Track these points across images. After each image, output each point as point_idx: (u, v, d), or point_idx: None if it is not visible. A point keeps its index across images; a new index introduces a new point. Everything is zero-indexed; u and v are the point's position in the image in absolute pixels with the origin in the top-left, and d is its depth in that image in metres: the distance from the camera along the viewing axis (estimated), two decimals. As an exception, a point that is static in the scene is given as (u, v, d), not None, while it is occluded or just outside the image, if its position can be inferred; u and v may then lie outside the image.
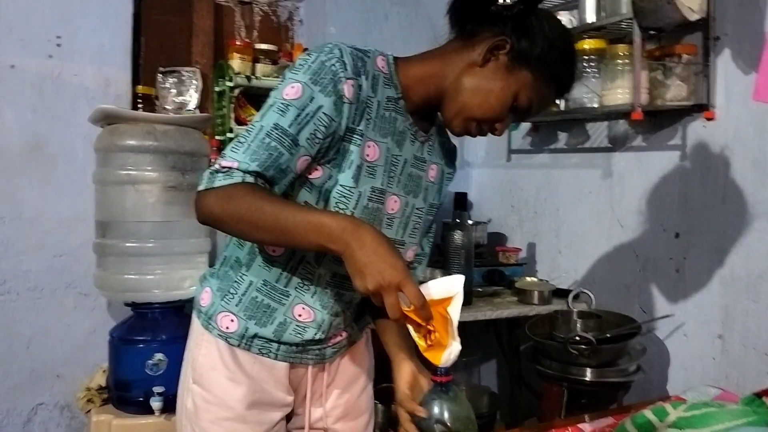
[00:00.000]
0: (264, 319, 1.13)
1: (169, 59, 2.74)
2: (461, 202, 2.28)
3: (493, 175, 2.91)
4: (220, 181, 0.94)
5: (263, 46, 2.81)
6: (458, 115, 1.08)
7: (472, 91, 1.06)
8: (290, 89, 0.99)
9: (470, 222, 2.60)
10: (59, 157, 2.33)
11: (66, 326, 2.37)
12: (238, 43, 2.77)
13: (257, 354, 1.14)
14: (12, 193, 2.27)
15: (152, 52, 2.71)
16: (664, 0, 1.73)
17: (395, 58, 1.13)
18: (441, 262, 2.22)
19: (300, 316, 1.14)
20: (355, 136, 1.04)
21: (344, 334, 1.23)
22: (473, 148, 3.02)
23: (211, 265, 2.37)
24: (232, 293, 1.14)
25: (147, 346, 2.10)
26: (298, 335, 1.14)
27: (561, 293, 2.31)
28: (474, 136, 1.12)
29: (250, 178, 0.94)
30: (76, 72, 2.36)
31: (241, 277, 1.14)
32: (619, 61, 2.02)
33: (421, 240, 1.26)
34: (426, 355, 0.95)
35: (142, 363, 2.07)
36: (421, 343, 0.94)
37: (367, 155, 1.06)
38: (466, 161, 3.05)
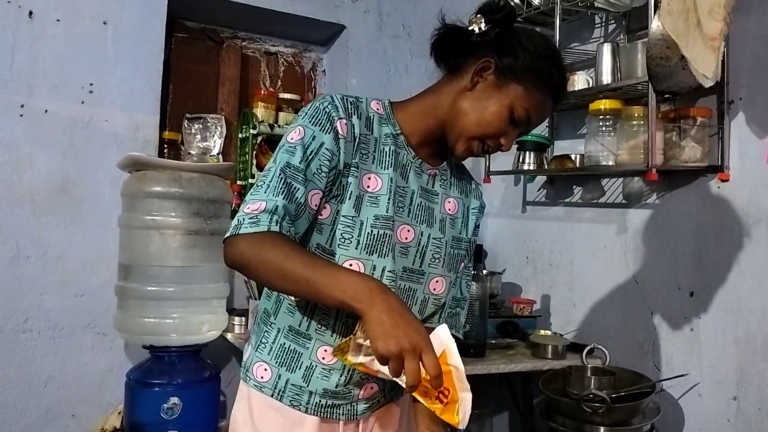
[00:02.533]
0: (293, 365, 1.16)
1: (195, 106, 2.84)
2: (476, 252, 2.30)
3: (509, 226, 2.94)
4: (247, 227, 0.98)
5: (287, 96, 2.91)
6: (459, 138, 1.13)
7: (467, 112, 1.11)
8: (294, 133, 1.08)
9: (485, 272, 2.62)
10: (86, 200, 2.40)
11: (83, 365, 2.40)
12: (262, 92, 2.86)
13: (288, 406, 1.16)
14: (38, 233, 2.34)
15: (180, 99, 2.81)
16: (679, 66, 1.77)
17: (391, 102, 1.20)
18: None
19: (324, 358, 1.16)
20: (352, 169, 1.10)
21: (375, 387, 1.22)
22: (489, 198, 3.03)
23: (228, 310, 2.43)
24: (264, 343, 1.20)
25: (163, 389, 2.13)
26: (325, 378, 1.16)
27: (575, 347, 2.30)
28: (478, 155, 1.17)
29: (275, 227, 0.98)
30: (106, 117, 2.45)
31: (270, 326, 1.20)
32: (634, 121, 2.06)
33: (453, 276, 1.26)
34: (443, 417, 0.96)
35: (157, 406, 2.09)
36: (435, 406, 0.96)
37: (368, 186, 1.11)
38: (482, 211, 3.07)
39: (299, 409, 1.17)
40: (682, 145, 1.99)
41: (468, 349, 2.19)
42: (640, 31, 2.24)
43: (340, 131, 1.08)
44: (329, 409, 1.18)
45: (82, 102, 2.42)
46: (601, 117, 2.17)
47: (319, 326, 1.15)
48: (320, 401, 1.17)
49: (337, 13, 2.93)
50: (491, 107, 1.10)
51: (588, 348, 2.18)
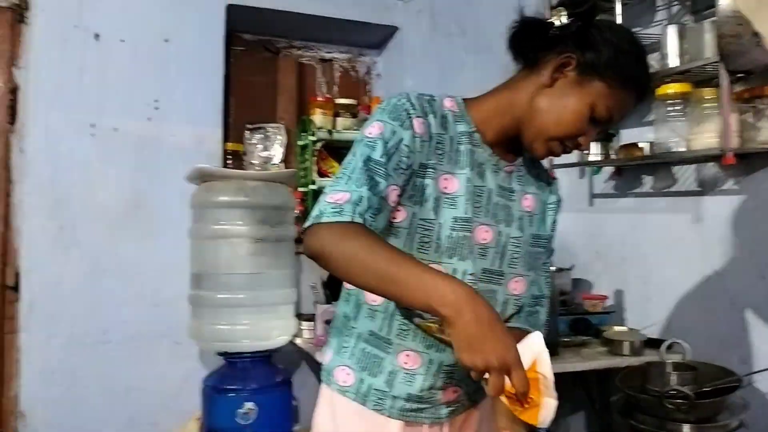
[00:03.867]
0: (375, 370, 1.14)
1: (255, 116, 2.90)
2: (544, 249, 2.25)
3: (576, 220, 2.86)
4: (329, 216, 0.94)
5: (343, 101, 2.92)
6: (538, 138, 1.09)
7: (546, 111, 1.07)
8: (372, 128, 1.05)
9: (553, 268, 2.56)
10: (157, 213, 2.47)
11: (161, 374, 2.47)
12: (319, 98, 2.89)
13: (372, 410, 1.15)
14: (114, 247, 2.42)
15: (240, 111, 2.87)
16: (752, 43, 1.69)
17: (464, 99, 1.17)
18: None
19: (406, 363, 1.13)
20: (428, 170, 1.07)
21: (459, 391, 1.20)
22: (553, 193, 2.99)
23: (296, 315, 2.46)
24: (345, 347, 1.18)
25: (237, 395, 2.17)
26: (408, 383, 1.14)
27: (653, 343, 2.22)
28: (558, 155, 1.12)
29: (359, 218, 0.94)
30: (172, 132, 2.52)
31: (350, 330, 1.18)
32: (705, 104, 1.98)
33: (532, 275, 1.21)
34: (523, 417, 0.93)
35: (233, 412, 2.13)
36: (516, 407, 0.93)
37: (445, 188, 1.09)
38: (547, 206, 3.01)
39: (383, 414, 1.15)
40: (758, 126, 1.90)
41: (540, 347, 2.15)
42: (707, 10, 2.16)
43: (416, 130, 1.05)
44: (413, 413, 1.16)
45: (149, 119, 2.50)
46: (669, 102, 2.09)
47: (400, 331, 1.12)
48: (404, 405, 1.15)
49: (389, 16, 2.93)
50: (571, 106, 1.06)
51: (667, 343, 2.10)
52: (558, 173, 2.70)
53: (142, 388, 2.44)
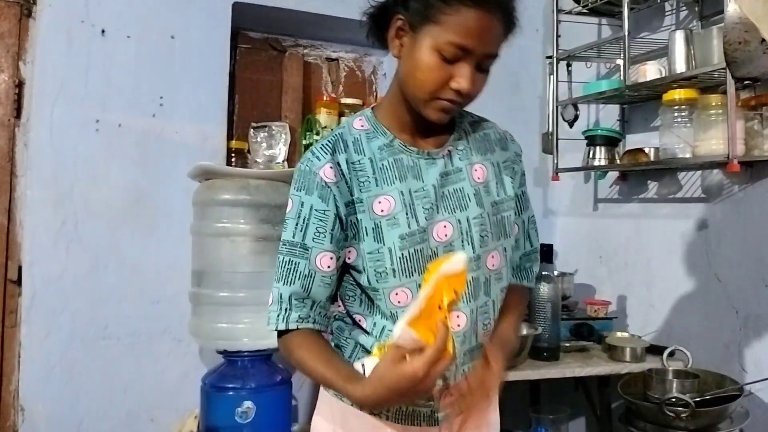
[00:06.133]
0: None
1: (260, 115, 2.89)
2: (547, 253, 2.25)
3: (579, 225, 2.86)
4: (270, 323, 1.10)
5: (348, 100, 2.92)
6: (419, 106, 1.07)
7: (405, 81, 1.08)
8: (287, 206, 1.12)
9: (556, 273, 2.55)
10: (159, 210, 2.47)
11: (160, 371, 2.47)
12: (324, 98, 2.88)
13: (369, 414, 1.15)
14: (116, 243, 2.42)
15: (245, 109, 2.86)
16: (759, 50, 1.68)
17: (373, 108, 1.19)
18: (527, 315, 2.18)
19: None
20: (356, 205, 1.09)
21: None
22: (557, 197, 2.99)
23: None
24: (343, 355, 1.20)
25: (237, 393, 2.16)
26: None
27: (655, 350, 2.21)
28: (453, 111, 1.08)
29: (282, 324, 1.08)
30: (176, 129, 2.51)
31: (346, 340, 1.19)
32: (712, 111, 1.97)
33: (508, 240, 1.19)
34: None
35: (231, 410, 2.12)
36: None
37: (381, 211, 1.09)
38: (550, 210, 3.01)
39: (380, 418, 1.16)
40: (764, 133, 1.89)
41: (541, 352, 2.15)
42: (715, 16, 2.15)
43: (327, 180, 1.07)
44: (410, 417, 1.17)
45: (153, 115, 2.49)
46: (675, 107, 2.08)
47: None
48: (401, 409, 1.16)
49: (396, 16, 2.92)
50: (416, 63, 1.03)
51: (669, 350, 2.10)
52: (562, 177, 2.70)
53: (142, 384, 2.44)
